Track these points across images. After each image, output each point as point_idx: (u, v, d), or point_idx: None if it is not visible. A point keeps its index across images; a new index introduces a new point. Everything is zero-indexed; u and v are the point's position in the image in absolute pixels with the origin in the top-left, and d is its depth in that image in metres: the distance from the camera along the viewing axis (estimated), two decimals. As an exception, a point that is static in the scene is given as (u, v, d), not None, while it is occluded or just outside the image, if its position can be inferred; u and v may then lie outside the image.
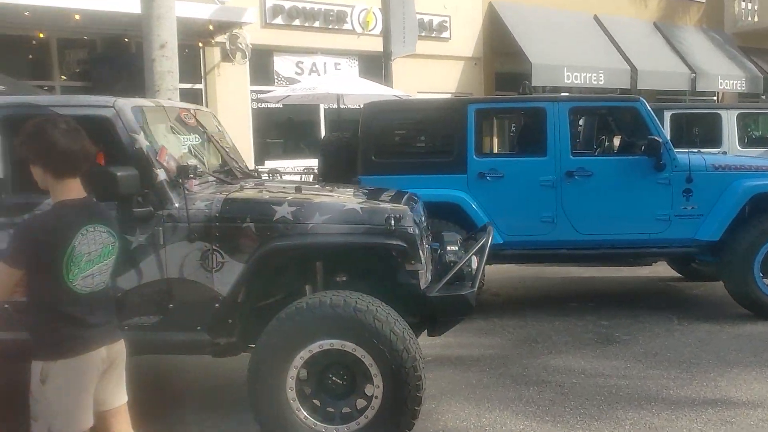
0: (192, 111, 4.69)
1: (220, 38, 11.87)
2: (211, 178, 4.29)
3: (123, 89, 10.58)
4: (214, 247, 3.81)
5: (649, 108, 6.51)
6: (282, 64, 13.23)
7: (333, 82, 9.70)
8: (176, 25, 10.37)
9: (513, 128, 10.04)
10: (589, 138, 8.80)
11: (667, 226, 6.38)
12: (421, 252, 3.89)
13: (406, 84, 13.64)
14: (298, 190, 4.20)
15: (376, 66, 13.91)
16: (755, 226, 6.23)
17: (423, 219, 4.47)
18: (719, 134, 9.72)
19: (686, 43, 17.26)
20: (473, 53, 15.20)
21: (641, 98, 6.62)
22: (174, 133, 4.29)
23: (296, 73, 13.30)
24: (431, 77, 14.42)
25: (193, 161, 4.20)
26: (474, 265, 4.38)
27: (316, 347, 3.57)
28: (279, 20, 12.75)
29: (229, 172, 4.66)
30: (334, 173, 6.82)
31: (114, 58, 11.11)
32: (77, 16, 9.55)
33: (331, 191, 4.48)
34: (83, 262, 2.57)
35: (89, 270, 2.60)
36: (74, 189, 2.63)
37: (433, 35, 14.67)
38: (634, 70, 15.23)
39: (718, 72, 17.01)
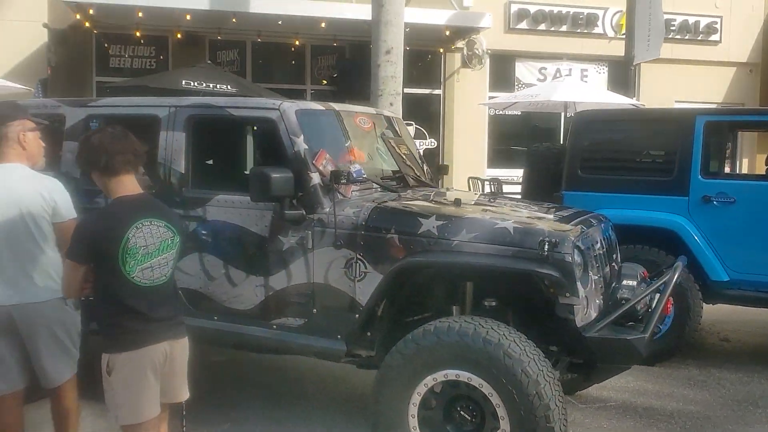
0: (370, 115, 4.65)
1: (460, 44, 11.87)
2: (375, 185, 4.19)
3: (366, 94, 11.15)
4: (358, 256, 3.70)
5: None
6: (524, 70, 12.83)
7: (557, 89, 9.09)
8: (407, 31, 10.63)
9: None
10: None
11: None
12: (579, 284, 3.38)
13: (660, 92, 12.43)
14: (457, 203, 3.92)
15: (626, 73, 12.90)
16: None
17: (600, 245, 3.91)
18: None
19: None
20: (748, 58, 13.32)
21: None
22: (344, 138, 4.26)
23: (538, 79, 12.80)
24: (693, 85, 12.94)
25: (357, 166, 4.14)
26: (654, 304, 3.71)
27: (441, 376, 3.28)
28: (523, 25, 12.39)
29: (401, 179, 4.53)
30: (538, 186, 6.38)
31: (359, 63, 11.67)
32: (323, 24, 10.19)
33: (496, 206, 4.13)
34: (140, 255, 2.66)
35: (147, 262, 2.69)
36: (128, 185, 2.76)
37: (699, 38, 13.15)
38: None
39: None
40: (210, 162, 4.54)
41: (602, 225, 4.13)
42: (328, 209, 3.77)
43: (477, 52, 10.96)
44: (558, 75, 12.93)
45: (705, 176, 5.55)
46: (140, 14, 9.75)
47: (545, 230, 3.47)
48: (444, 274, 3.73)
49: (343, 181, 3.78)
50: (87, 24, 10.34)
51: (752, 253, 5.39)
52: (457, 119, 12.30)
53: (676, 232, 5.51)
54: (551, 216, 3.93)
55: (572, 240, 3.43)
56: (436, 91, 12.38)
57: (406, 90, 12.28)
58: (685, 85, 12.95)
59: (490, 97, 12.21)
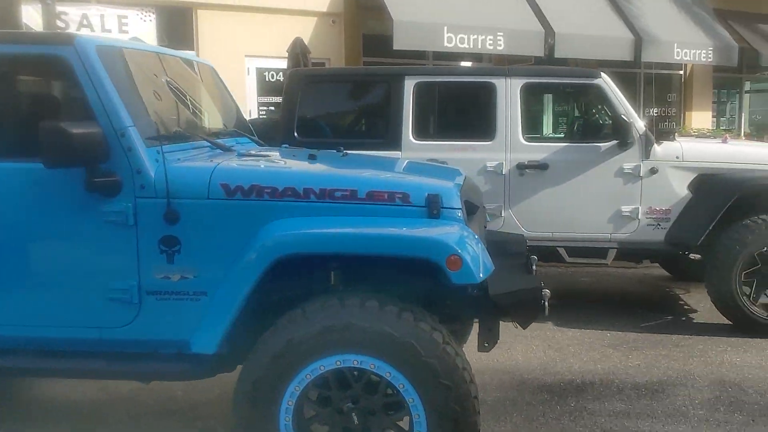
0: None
1: None
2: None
3: None
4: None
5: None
6: (34, 13, 8.33)
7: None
8: None
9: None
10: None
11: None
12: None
13: (226, 45, 9.90)
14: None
15: (180, 21, 9.97)
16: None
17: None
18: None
19: (637, 4, 12.88)
20: (328, 8, 11.09)
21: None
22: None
23: (61, 28, 8.55)
24: (265, 37, 10.29)
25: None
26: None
27: None
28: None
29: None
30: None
31: None
32: None
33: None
34: None
35: None
36: None
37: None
38: (550, 33, 11.33)
39: (675, 39, 12.55)
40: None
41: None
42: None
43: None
44: (86, 23, 8.91)
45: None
46: None
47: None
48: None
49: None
50: None
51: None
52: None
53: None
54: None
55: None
56: None
57: None
58: (254, 37, 10.22)
59: None
